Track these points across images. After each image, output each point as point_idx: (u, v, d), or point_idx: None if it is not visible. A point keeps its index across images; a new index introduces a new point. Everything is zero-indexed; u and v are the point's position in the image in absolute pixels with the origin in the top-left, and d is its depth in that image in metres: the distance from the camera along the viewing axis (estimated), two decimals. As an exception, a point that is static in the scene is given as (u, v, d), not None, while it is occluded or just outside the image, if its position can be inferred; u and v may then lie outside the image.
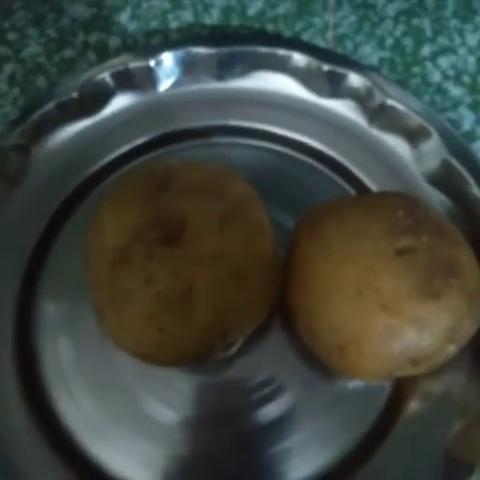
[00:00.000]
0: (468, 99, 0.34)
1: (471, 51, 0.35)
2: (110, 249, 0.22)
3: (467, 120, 0.33)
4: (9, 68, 0.36)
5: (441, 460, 0.24)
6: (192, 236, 0.21)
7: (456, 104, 0.34)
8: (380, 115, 0.31)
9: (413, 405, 0.25)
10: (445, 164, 0.29)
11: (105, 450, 0.25)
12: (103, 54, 0.36)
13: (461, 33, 0.36)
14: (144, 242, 0.21)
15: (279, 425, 0.26)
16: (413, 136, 0.30)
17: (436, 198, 0.29)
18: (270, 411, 0.26)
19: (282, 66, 0.32)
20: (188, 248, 0.21)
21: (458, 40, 0.36)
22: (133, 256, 0.21)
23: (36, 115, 0.30)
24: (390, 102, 0.30)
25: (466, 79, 0.34)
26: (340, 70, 0.31)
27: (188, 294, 0.21)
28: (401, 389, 0.26)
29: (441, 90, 0.34)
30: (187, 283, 0.21)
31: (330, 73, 0.31)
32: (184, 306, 0.21)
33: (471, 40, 0.36)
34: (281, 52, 0.31)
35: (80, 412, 0.26)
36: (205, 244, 0.21)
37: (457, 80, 0.34)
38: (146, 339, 0.21)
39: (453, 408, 0.25)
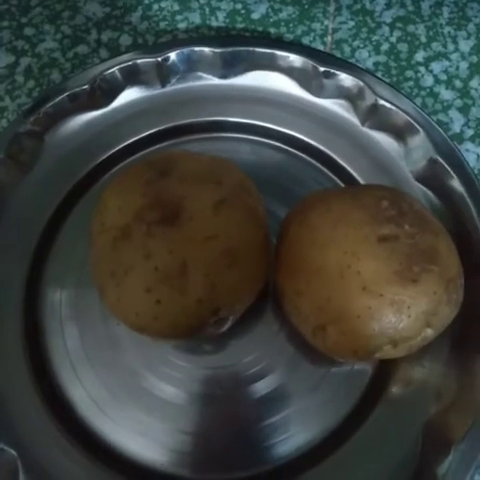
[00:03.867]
0: (459, 102, 0.35)
1: (464, 57, 0.37)
2: (112, 227, 0.24)
3: (457, 122, 0.35)
4: (25, 61, 0.38)
5: (418, 441, 0.25)
6: (189, 217, 0.23)
7: (447, 107, 0.35)
8: (371, 114, 0.32)
9: (393, 389, 0.27)
10: (432, 162, 0.30)
11: (107, 423, 0.27)
12: (114, 51, 0.38)
13: (454, 40, 0.37)
14: (144, 221, 0.23)
15: (268, 402, 0.27)
16: (402, 135, 0.31)
17: (422, 194, 0.30)
18: (259, 389, 0.27)
19: (280, 66, 0.33)
20: (185, 228, 0.23)
21: (451, 46, 0.37)
22: (134, 233, 0.23)
23: (49, 105, 0.32)
24: (381, 102, 0.31)
25: (458, 83, 0.36)
26: (334, 71, 0.32)
27: (183, 270, 0.22)
28: (382, 374, 0.27)
29: (433, 93, 0.36)
30: (183, 260, 0.22)
31: (325, 74, 0.32)
32: (180, 281, 0.22)
33: (464, 46, 0.37)
34: (280, 53, 0.33)
35: (84, 388, 0.27)
36: (200, 225, 0.23)
37: (449, 84, 0.36)
38: (144, 311, 0.23)
39: (430, 393, 0.26)
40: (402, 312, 0.22)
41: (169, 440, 0.26)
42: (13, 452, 0.25)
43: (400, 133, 0.31)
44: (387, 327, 0.22)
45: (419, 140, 0.31)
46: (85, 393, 0.27)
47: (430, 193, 0.30)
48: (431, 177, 0.30)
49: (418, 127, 0.30)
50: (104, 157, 0.33)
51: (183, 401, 0.27)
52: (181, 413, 0.27)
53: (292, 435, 0.26)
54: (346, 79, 0.32)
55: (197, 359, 0.28)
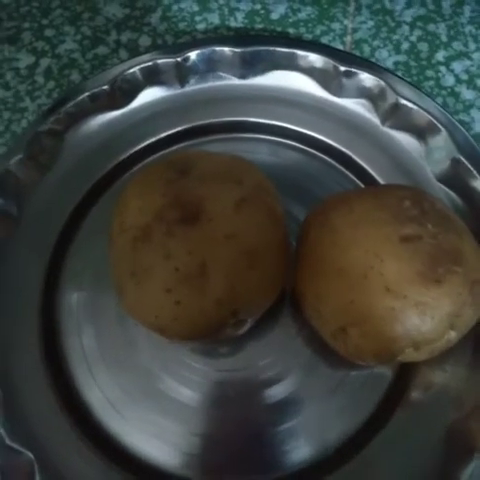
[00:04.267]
0: (480, 102, 0.35)
1: (485, 56, 0.36)
2: (132, 227, 0.23)
3: (478, 122, 0.34)
4: (46, 62, 0.38)
5: (440, 447, 0.25)
6: (208, 217, 0.23)
7: (468, 107, 0.35)
8: (392, 114, 0.32)
9: (414, 394, 0.26)
10: (454, 162, 0.30)
11: (122, 425, 0.27)
12: (134, 52, 0.38)
13: (476, 39, 0.37)
14: (164, 221, 0.23)
15: (284, 406, 0.27)
16: (424, 134, 0.31)
17: (444, 194, 0.30)
18: (276, 392, 0.27)
19: (300, 66, 0.33)
20: (204, 228, 0.22)
21: (473, 46, 0.37)
22: (154, 233, 0.23)
23: (70, 105, 0.32)
24: (402, 101, 0.31)
25: (479, 83, 0.35)
26: (355, 70, 0.32)
27: (203, 270, 0.22)
28: (403, 378, 0.27)
29: (454, 93, 0.35)
30: (202, 260, 0.22)
31: (345, 73, 0.32)
32: (199, 281, 0.22)
33: (486, 46, 0.37)
34: (300, 53, 0.33)
35: (99, 389, 0.27)
36: (220, 225, 0.23)
37: (470, 84, 0.35)
38: (163, 312, 0.23)
39: (452, 398, 0.26)
40: (426, 314, 0.21)
41: (183, 443, 0.26)
42: (30, 454, 0.25)
43: (422, 133, 0.31)
44: (410, 329, 0.21)
45: (441, 140, 0.30)
46: (101, 394, 0.27)
47: (452, 193, 0.30)
48: (453, 177, 0.30)
49: (440, 127, 0.30)
50: (124, 157, 0.33)
51: (198, 404, 0.27)
52: (196, 415, 0.27)
53: (308, 441, 0.26)
54: (367, 79, 0.32)
55: (213, 362, 0.28)
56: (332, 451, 0.26)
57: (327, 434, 0.26)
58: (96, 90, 0.32)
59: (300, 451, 0.26)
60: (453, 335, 0.22)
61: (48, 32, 0.39)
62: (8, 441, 0.25)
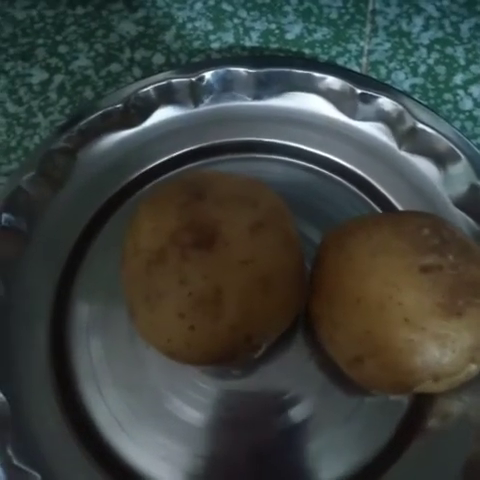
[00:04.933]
0: (498, 127, 0.34)
1: (503, 80, 0.36)
2: (146, 250, 0.23)
3: (497, 147, 0.34)
4: (59, 79, 0.38)
5: (459, 478, 0.24)
6: (224, 241, 0.22)
7: (486, 131, 0.34)
8: (410, 138, 0.31)
9: (431, 423, 0.26)
10: (473, 188, 0.29)
11: (129, 445, 0.26)
12: (147, 70, 0.38)
13: (494, 63, 0.37)
14: (179, 245, 0.22)
15: (296, 433, 0.26)
16: (442, 159, 0.31)
17: (463, 221, 0.30)
18: (288, 419, 0.26)
19: (316, 88, 0.33)
20: (220, 252, 0.22)
21: (491, 70, 0.36)
22: (168, 257, 0.22)
23: (83, 123, 0.32)
24: (420, 126, 0.31)
25: (497, 107, 0.35)
26: (372, 93, 0.32)
27: (218, 296, 0.22)
28: (419, 407, 0.26)
29: (472, 117, 0.35)
30: (217, 285, 0.22)
31: (362, 96, 0.32)
32: (214, 307, 0.22)
33: (504, 70, 0.36)
34: (316, 74, 0.33)
35: (107, 408, 0.27)
36: (235, 250, 0.22)
37: (488, 108, 0.35)
38: (176, 337, 0.22)
39: (471, 428, 0.25)
40: (446, 346, 0.21)
41: (190, 464, 0.26)
42: (37, 475, 0.25)
43: (440, 158, 0.31)
44: (430, 362, 0.21)
45: (460, 166, 0.30)
46: (108, 412, 0.27)
47: (471, 220, 0.30)
48: (472, 203, 0.30)
49: (459, 153, 0.30)
50: (136, 175, 0.33)
51: (207, 426, 0.27)
52: (204, 437, 0.26)
53: (321, 469, 0.25)
54: (384, 102, 0.32)
55: (224, 384, 0.27)
56: (349, 478, 0.25)
57: (341, 462, 0.26)
58: (110, 108, 0.32)
59: (312, 478, 0.25)
60: (474, 368, 0.22)
61: (62, 49, 0.39)
62: (15, 461, 0.25)
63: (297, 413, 0.27)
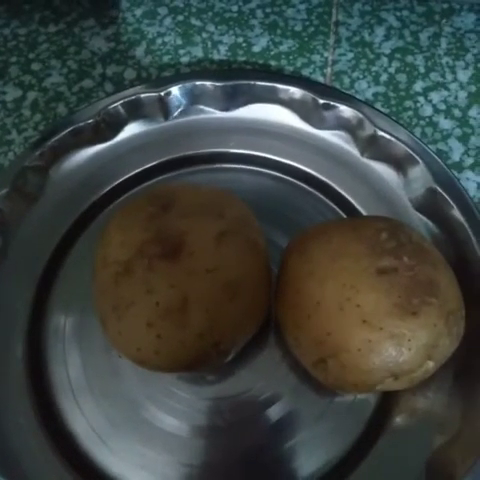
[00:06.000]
0: (458, 131, 0.36)
1: (462, 86, 0.37)
2: (114, 261, 0.24)
3: (456, 151, 0.35)
4: (32, 95, 0.39)
5: (422, 472, 0.25)
6: (189, 251, 0.23)
7: (446, 136, 0.35)
8: (371, 145, 0.32)
9: (397, 419, 0.27)
10: (430, 191, 0.30)
11: (107, 454, 0.27)
12: (119, 85, 0.39)
13: (453, 70, 0.38)
14: (146, 256, 0.23)
15: (272, 432, 0.27)
16: (401, 165, 0.32)
17: (422, 223, 0.31)
18: (263, 420, 0.27)
19: (280, 99, 0.34)
20: (185, 262, 0.23)
21: (450, 76, 0.38)
22: (135, 268, 0.23)
23: (54, 139, 0.32)
24: (380, 133, 0.32)
25: (456, 113, 0.36)
26: (333, 103, 0.33)
27: (184, 304, 0.22)
28: (386, 404, 0.27)
29: (432, 123, 0.36)
30: (183, 294, 0.22)
31: (324, 106, 0.33)
32: (180, 315, 0.22)
33: (462, 76, 0.38)
34: (280, 86, 0.33)
35: (85, 418, 0.27)
36: (201, 259, 0.23)
37: (448, 114, 0.36)
38: (145, 345, 0.23)
39: (434, 424, 0.26)
40: (402, 345, 0.22)
41: (171, 473, 0.26)
42: None
43: (399, 163, 0.32)
44: (388, 360, 0.22)
45: (418, 170, 0.31)
46: (87, 424, 0.27)
47: (430, 223, 0.31)
48: (431, 207, 0.31)
49: (417, 158, 0.31)
50: (108, 189, 0.33)
51: (185, 433, 0.27)
52: (183, 445, 0.27)
53: (297, 467, 0.26)
54: (345, 111, 0.32)
55: (200, 390, 0.28)
56: (322, 475, 0.26)
57: (317, 458, 0.26)
58: (80, 124, 0.33)
59: (291, 476, 0.26)
60: (431, 365, 0.23)
61: (35, 66, 0.40)
62: None
63: (271, 414, 0.27)
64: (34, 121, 0.37)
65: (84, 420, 0.27)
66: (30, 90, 0.39)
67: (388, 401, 0.27)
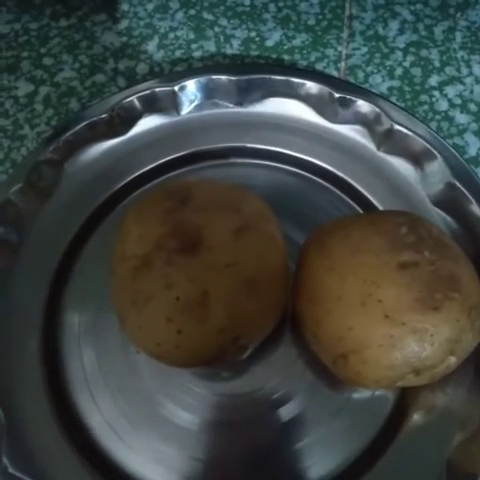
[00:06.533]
0: (474, 126, 0.35)
1: (478, 81, 0.37)
2: (133, 256, 0.24)
3: (473, 146, 0.35)
4: (44, 90, 0.38)
5: (442, 470, 0.25)
6: (208, 246, 0.23)
7: (462, 131, 0.35)
8: (387, 139, 0.32)
9: (416, 416, 0.26)
10: (449, 186, 0.30)
11: (124, 451, 0.27)
12: (131, 80, 0.38)
13: (468, 64, 0.38)
14: (165, 250, 0.23)
15: (288, 429, 0.27)
16: (418, 159, 0.31)
17: (440, 218, 0.30)
18: (278, 416, 0.27)
19: (296, 93, 0.34)
20: (204, 257, 0.23)
21: (465, 70, 0.37)
22: (154, 262, 0.23)
23: (69, 133, 0.32)
24: (397, 127, 0.31)
25: (472, 107, 0.36)
26: (350, 97, 0.32)
27: (204, 299, 0.22)
28: (404, 400, 0.27)
29: (448, 117, 0.36)
30: (203, 289, 0.22)
31: (340, 100, 0.33)
32: (200, 310, 0.22)
33: (478, 70, 0.37)
34: (295, 80, 0.33)
35: (101, 414, 0.27)
36: (220, 253, 0.23)
37: (464, 108, 0.36)
38: (165, 340, 0.23)
39: (454, 421, 0.26)
40: (425, 340, 0.21)
41: (186, 468, 0.26)
42: None
43: (416, 158, 0.31)
44: (410, 356, 0.22)
45: (436, 165, 0.31)
46: (102, 419, 0.27)
47: (448, 218, 0.30)
48: (449, 201, 0.30)
49: (435, 152, 0.30)
50: (122, 184, 0.33)
51: (201, 428, 0.27)
52: (198, 440, 0.27)
53: (313, 464, 0.26)
54: (362, 105, 0.32)
55: (215, 386, 0.28)
56: (338, 474, 0.26)
57: (333, 456, 0.26)
58: (95, 119, 0.33)
59: (306, 474, 0.26)
60: (453, 360, 0.22)
61: (46, 61, 0.40)
62: (11, 469, 0.25)
63: (287, 411, 0.27)
64: (46, 116, 0.37)
65: (100, 416, 0.27)
66: (42, 85, 0.39)
67: (406, 398, 0.27)
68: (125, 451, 0.27)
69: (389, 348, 0.22)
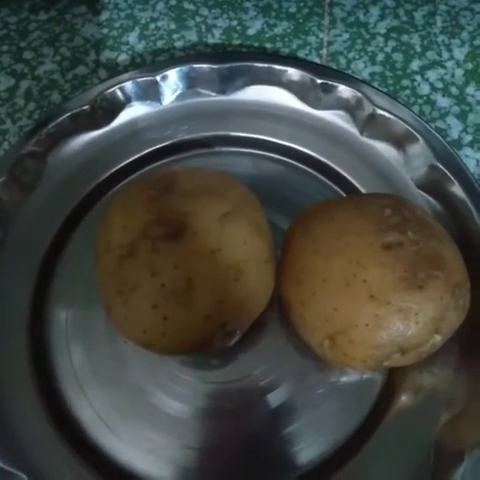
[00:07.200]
0: (456, 109, 0.36)
1: (459, 64, 0.37)
2: (118, 245, 0.24)
3: (455, 129, 0.35)
4: (25, 84, 0.38)
5: (430, 450, 0.25)
6: (193, 232, 0.23)
7: (444, 114, 0.35)
8: (370, 124, 0.32)
9: (404, 398, 0.27)
10: (432, 169, 0.30)
11: (115, 442, 0.27)
12: (113, 71, 0.38)
13: (449, 48, 0.38)
14: (149, 237, 0.23)
15: (279, 414, 0.27)
16: (401, 143, 0.32)
17: (424, 200, 0.31)
18: (270, 401, 0.27)
19: (278, 80, 0.34)
20: (189, 243, 0.23)
21: (446, 54, 0.38)
22: (139, 250, 0.23)
23: (51, 126, 0.32)
24: (379, 111, 0.31)
25: (454, 90, 0.36)
26: (332, 83, 0.32)
27: (190, 285, 0.22)
28: (392, 382, 0.27)
29: (430, 101, 0.36)
30: (188, 275, 0.22)
31: (322, 86, 0.33)
32: (186, 296, 0.22)
33: (458, 54, 0.38)
34: (277, 67, 0.33)
35: (91, 406, 0.27)
36: (205, 240, 0.23)
37: (445, 92, 0.36)
38: (151, 328, 0.23)
39: (441, 401, 0.26)
40: (410, 319, 0.22)
41: (178, 456, 0.26)
42: (23, 476, 0.25)
43: (399, 141, 0.32)
44: (396, 335, 0.22)
45: (418, 148, 0.31)
46: (93, 411, 0.27)
47: (432, 199, 0.31)
48: (432, 184, 0.31)
49: (417, 135, 0.31)
50: (106, 175, 0.33)
51: (191, 417, 0.27)
52: (189, 429, 0.27)
53: (303, 448, 0.26)
54: (344, 90, 0.32)
55: (204, 374, 0.28)
56: (329, 456, 0.26)
57: (323, 440, 0.26)
58: (77, 110, 0.32)
59: (297, 458, 0.26)
60: (438, 339, 0.23)
61: (27, 54, 0.39)
62: (0, 463, 0.25)
63: (276, 397, 0.27)
64: (28, 110, 0.37)
65: (90, 408, 0.27)
66: (23, 79, 0.38)
67: (394, 379, 0.27)
68: (116, 442, 0.27)
69: (375, 327, 0.22)
